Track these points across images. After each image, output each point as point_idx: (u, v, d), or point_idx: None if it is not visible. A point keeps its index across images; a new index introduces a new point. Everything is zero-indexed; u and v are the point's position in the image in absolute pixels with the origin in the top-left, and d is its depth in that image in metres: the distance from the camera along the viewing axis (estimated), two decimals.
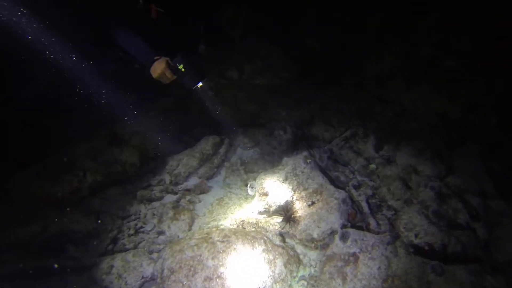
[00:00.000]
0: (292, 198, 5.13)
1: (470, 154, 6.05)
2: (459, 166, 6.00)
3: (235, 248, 4.43)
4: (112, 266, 4.67)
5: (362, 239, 4.33)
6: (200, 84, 4.93)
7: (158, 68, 4.31)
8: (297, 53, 7.26)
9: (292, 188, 5.23)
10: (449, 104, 6.29)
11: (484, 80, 5.91)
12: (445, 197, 5.38)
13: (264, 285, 4.29)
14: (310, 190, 5.16)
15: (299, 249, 4.84)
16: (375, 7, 6.91)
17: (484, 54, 5.74)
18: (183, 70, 4.40)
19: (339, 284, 4.15)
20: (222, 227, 4.98)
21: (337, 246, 4.51)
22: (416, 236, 4.61)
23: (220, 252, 4.37)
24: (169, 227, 5.44)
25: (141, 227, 5.60)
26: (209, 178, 6.40)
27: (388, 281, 3.92)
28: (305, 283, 4.49)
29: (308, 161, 5.35)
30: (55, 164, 5.69)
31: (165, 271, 4.31)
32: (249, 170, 6.31)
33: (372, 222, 5.04)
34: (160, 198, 6.02)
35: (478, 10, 5.64)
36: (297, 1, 7.36)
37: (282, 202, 5.10)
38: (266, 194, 5.25)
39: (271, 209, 5.10)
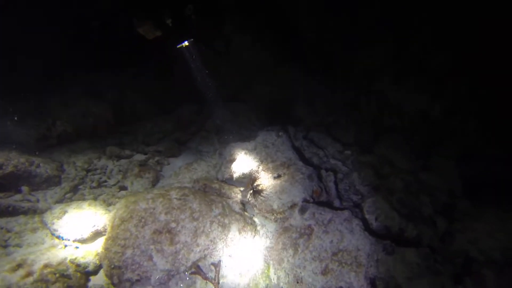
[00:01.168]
0: (258, 168, 5.05)
1: (445, 155, 6.00)
2: (433, 164, 5.96)
3: (190, 207, 4.34)
4: (65, 212, 4.54)
5: (320, 213, 4.26)
6: (186, 43, 4.84)
7: (144, 22, 4.29)
8: (289, 34, 7.15)
9: (260, 159, 5.15)
10: (432, 103, 6.23)
11: (469, 82, 5.84)
12: (414, 190, 5.35)
13: (214, 246, 4.21)
14: (278, 163, 5.07)
15: (258, 219, 4.76)
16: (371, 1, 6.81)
17: (473, 56, 5.65)
18: (170, 25, 4.37)
19: (290, 255, 4.08)
20: (183, 187, 4.88)
21: (295, 219, 4.44)
22: (376, 219, 4.55)
23: (175, 208, 4.28)
24: (132, 183, 5.34)
25: (105, 181, 5.50)
26: (183, 143, 6.30)
27: (338, 255, 3.85)
28: (258, 252, 4.41)
29: (280, 133, 5.27)
30: (26, 106, 5.55)
31: (116, 220, 4.20)
32: (224, 141, 6.21)
33: (337, 203, 4.97)
34: (129, 156, 5.91)
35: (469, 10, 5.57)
36: None
37: (247, 171, 5.00)
38: (233, 161, 5.15)
39: (235, 175, 5.01)
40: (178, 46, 4.84)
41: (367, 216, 4.64)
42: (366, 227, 4.34)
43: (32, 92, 5.58)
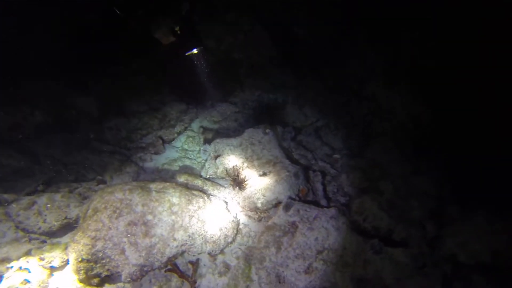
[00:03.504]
0: (243, 165, 4.86)
1: (435, 159, 5.90)
2: (423, 169, 5.85)
3: (169, 200, 4.10)
4: (34, 203, 4.26)
5: (306, 210, 4.06)
6: (195, 50, 4.86)
7: (160, 28, 4.33)
8: (281, 36, 7.14)
9: (245, 156, 4.97)
10: (423, 106, 6.19)
11: (461, 86, 5.81)
12: (403, 193, 5.20)
13: (192, 242, 3.96)
14: (264, 161, 4.90)
15: (241, 217, 4.53)
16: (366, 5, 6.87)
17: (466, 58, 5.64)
18: (178, 32, 4.43)
19: (273, 253, 3.85)
20: (163, 181, 4.64)
21: (279, 217, 4.22)
22: (364, 220, 4.38)
23: (153, 200, 4.03)
24: (111, 177, 5.10)
25: (83, 174, 5.23)
26: (168, 142, 6.09)
27: (323, 253, 3.64)
28: (239, 251, 4.17)
29: (267, 131, 5.11)
30: (2, 93, 5.32)
31: (89, 211, 3.93)
32: (210, 141, 6.01)
33: (323, 203, 4.78)
34: (111, 151, 5.67)
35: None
36: None
37: (231, 168, 4.81)
38: (217, 158, 4.96)
39: (219, 172, 4.81)
40: (187, 54, 4.88)
41: (355, 217, 4.46)
42: (355, 227, 4.15)
43: (12, 78, 5.37)
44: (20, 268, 3.46)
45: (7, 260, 3.57)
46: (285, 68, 7.35)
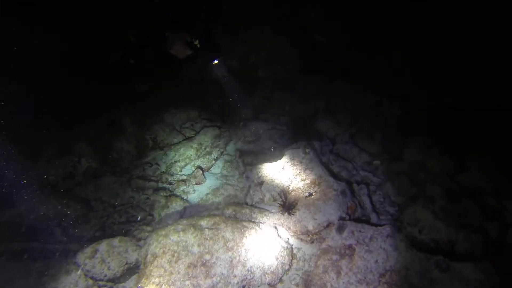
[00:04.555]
0: (288, 188, 4.85)
1: (483, 151, 5.62)
2: (471, 163, 5.59)
3: (223, 236, 4.18)
4: (96, 251, 4.47)
5: (360, 231, 4.00)
6: (216, 61, 4.85)
7: (174, 43, 4.34)
8: (303, 45, 7.06)
9: (289, 179, 4.96)
10: (461, 98, 5.91)
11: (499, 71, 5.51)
12: (455, 195, 5.00)
13: (252, 276, 4.00)
14: (308, 181, 4.87)
15: (293, 242, 4.53)
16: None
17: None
18: (198, 45, 4.42)
19: (333, 279, 3.82)
20: (213, 215, 4.73)
21: (333, 239, 4.19)
22: (420, 231, 4.25)
23: (207, 239, 4.12)
24: (159, 215, 5.25)
25: (133, 215, 5.42)
26: (206, 169, 6.19)
27: (386, 276, 3.56)
28: (297, 277, 4.17)
29: (307, 150, 5.08)
30: (50, 147, 5.62)
31: (149, 256, 4.08)
32: (248, 163, 6.06)
33: (373, 217, 4.70)
34: (154, 188, 5.84)
35: None
36: None
37: (277, 193, 4.82)
38: (261, 184, 4.99)
39: (265, 198, 4.83)
40: (212, 63, 4.90)
41: (409, 230, 4.34)
42: (412, 242, 4.04)
43: (56, 131, 5.67)
44: None
45: None
46: (311, 77, 7.28)
